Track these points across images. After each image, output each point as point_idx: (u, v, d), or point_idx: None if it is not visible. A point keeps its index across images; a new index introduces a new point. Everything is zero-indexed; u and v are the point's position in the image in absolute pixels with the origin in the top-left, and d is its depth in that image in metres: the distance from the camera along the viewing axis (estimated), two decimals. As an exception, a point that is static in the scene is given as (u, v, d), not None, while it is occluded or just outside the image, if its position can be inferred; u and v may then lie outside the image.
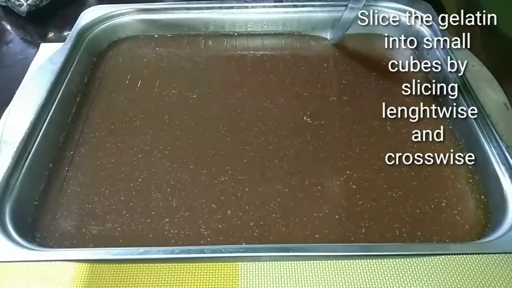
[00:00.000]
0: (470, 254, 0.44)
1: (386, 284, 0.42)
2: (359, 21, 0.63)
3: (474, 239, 0.41)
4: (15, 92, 0.57)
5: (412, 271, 0.43)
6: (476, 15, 0.54)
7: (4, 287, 0.42)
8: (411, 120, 0.52)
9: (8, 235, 0.39)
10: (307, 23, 0.65)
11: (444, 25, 0.58)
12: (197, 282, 0.43)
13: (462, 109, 0.50)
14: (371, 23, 0.64)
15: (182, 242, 0.42)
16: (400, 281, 0.43)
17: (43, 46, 0.67)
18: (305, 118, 0.53)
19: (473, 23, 0.54)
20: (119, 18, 0.64)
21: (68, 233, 0.43)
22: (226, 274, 0.43)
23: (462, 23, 0.54)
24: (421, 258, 0.44)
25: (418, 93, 0.56)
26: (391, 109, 0.54)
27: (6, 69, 0.65)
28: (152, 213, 0.44)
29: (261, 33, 0.65)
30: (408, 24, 0.62)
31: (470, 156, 0.48)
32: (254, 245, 0.42)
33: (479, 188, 0.46)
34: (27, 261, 0.39)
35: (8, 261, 0.38)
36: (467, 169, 0.47)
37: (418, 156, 0.49)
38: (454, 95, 0.52)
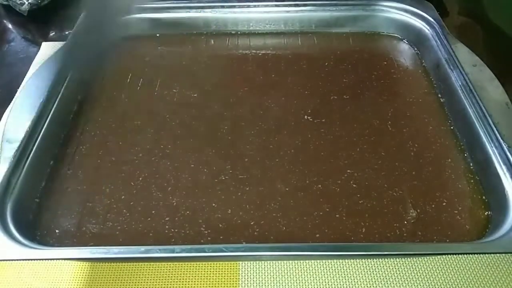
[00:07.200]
0: (471, 254, 0.44)
1: (386, 284, 0.42)
2: (360, 20, 0.64)
3: (474, 239, 0.41)
4: (17, 90, 0.57)
5: (412, 271, 0.43)
6: (477, 14, 0.54)
7: (4, 285, 0.43)
8: (412, 119, 0.53)
9: (9, 233, 0.39)
10: (308, 22, 0.65)
11: (445, 25, 0.58)
12: (197, 281, 0.43)
13: (463, 109, 0.50)
14: (373, 22, 0.64)
15: (183, 241, 0.42)
16: (400, 281, 0.42)
17: (45, 45, 0.67)
18: (306, 117, 0.53)
19: (474, 22, 0.54)
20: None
21: (69, 231, 0.43)
22: (227, 273, 0.43)
23: (463, 23, 0.54)
24: (421, 258, 0.44)
25: (419, 92, 0.56)
26: (392, 108, 0.54)
27: (8, 67, 0.65)
28: (153, 212, 0.44)
29: (263, 32, 0.65)
30: (410, 23, 0.62)
31: (471, 156, 0.48)
32: (255, 244, 0.42)
33: (480, 188, 0.45)
34: (28, 259, 0.39)
35: (8, 259, 0.38)
36: (468, 169, 0.47)
37: (419, 155, 0.49)
38: (455, 95, 0.52)
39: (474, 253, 0.43)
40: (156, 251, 0.38)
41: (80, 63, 0.57)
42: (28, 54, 0.67)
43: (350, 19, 0.64)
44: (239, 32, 0.65)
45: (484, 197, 0.45)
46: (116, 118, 0.53)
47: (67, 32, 0.70)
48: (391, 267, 0.43)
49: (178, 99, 0.56)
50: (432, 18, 0.60)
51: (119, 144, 0.51)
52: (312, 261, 0.44)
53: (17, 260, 0.41)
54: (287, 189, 0.46)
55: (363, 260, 0.44)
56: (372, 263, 0.44)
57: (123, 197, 0.46)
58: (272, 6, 0.64)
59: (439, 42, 0.57)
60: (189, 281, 0.43)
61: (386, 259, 0.44)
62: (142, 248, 0.38)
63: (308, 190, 0.46)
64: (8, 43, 0.69)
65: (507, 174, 0.43)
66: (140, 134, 0.52)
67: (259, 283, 0.43)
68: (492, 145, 0.45)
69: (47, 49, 0.66)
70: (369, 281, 0.42)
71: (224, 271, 0.43)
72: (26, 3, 0.70)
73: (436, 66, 0.57)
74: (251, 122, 0.53)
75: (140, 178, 0.47)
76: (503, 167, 0.44)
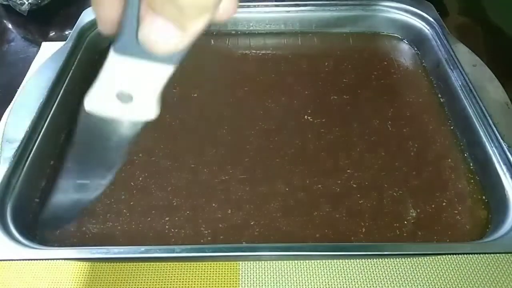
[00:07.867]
0: (471, 254, 0.44)
1: (386, 284, 0.42)
2: (360, 20, 0.64)
3: (475, 239, 0.41)
4: (17, 90, 0.57)
5: (412, 271, 0.43)
6: (477, 14, 0.54)
7: (4, 285, 0.43)
8: (412, 119, 0.53)
9: (9, 233, 0.39)
10: (308, 22, 0.65)
11: (446, 25, 0.58)
12: (197, 281, 0.43)
13: (463, 109, 0.50)
14: (373, 22, 0.64)
15: (183, 241, 0.42)
16: (400, 281, 0.43)
17: (45, 45, 0.67)
18: (306, 117, 0.53)
19: (474, 22, 0.54)
20: (121, 17, 0.63)
21: (69, 231, 0.43)
22: (227, 273, 0.43)
23: (463, 23, 0.54)
24: (421, 258, 0.44)
25: (419, 92, 0.56)
26: (392, 108, 0.54)
27: (8, 67, 0.65)
28: (153, 212, 0.44)
29: (263, 32, 0.65)
30: (410, 23, 0.62)
31: (471, 156, 0.48)
32: (255, 244, 0.42)
33: (480, 188, 0.45)
34: (28, 259, 0.39)
35: (8, 259, 0.38)
36: (468, 169, 0.47)
37: (419, 155, 0.49)
38: (455, 95, 0.52)
39: (475, 253, 0.43)
40: (156, 251, 0.38)
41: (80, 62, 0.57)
42: (28, 54, 0.67)
43: (350, 19, 0.64)
44: (239, 32, 0.65)
45: (484, 197, 0.45)
46: (116, 118, 0.53)
47: (67, 32, 0.70)
48: (391, 267, 0.43)
49: (178, 99, 0.56)
50: (432, 18, 0.60)
51: (119, 144, 0.50)
52: (312, 261, 0.44)
53: (17, 260, 0.41)
54: (287, 189, 0.46)
55: (363, 260, 0.44)
56: (372, 263, 0.44)
57: (123, 197, 0.45)
58: (272, 6, 0.64)
59: (439, 42, 0.57)
60: (189, 281, 0.43)
61: (386, 259, 0.44)
62: (142, 248, 0.38)
63: (308, 190, 0.46)
64: (8, 43, 0.70)
65: (507, 174, 0.43)
66: (140, 134, 0.51)
67: (259, 283, 0.43)
68: (492, 145, 0.45)
69: (47, 49, 0.66)
70: (369, 281, 0.43)
71: (224, 271, 0.44)
72: (26, 3, 0.70)
73: (436, 66, 0.57)
74: (251, 122, 0.52)
75: (140, 178, 0.47)
76: (503, 167, 0.44)
